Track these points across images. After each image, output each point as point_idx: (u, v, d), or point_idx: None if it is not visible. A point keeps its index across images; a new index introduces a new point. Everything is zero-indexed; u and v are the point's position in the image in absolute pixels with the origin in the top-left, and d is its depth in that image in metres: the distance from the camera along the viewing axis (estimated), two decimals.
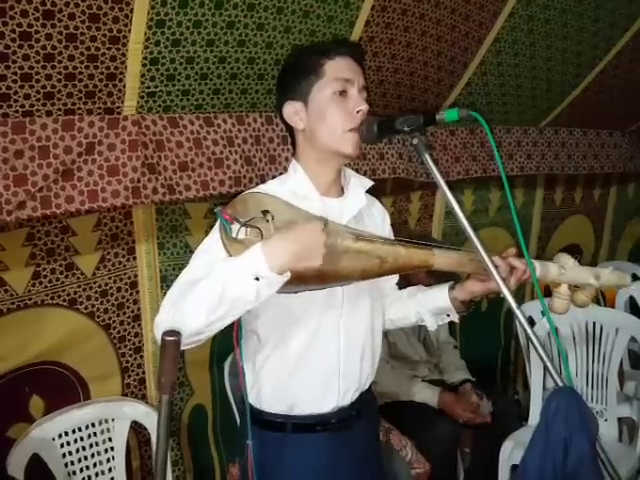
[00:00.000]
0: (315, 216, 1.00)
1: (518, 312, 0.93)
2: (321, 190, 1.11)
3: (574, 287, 1.16)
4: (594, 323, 2.05)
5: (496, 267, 0.97)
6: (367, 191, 1.21)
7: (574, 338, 2.07)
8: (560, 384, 0.89)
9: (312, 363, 1.11)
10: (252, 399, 1.15)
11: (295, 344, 1.10)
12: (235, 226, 0.90)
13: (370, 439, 1.25)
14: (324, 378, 1.12)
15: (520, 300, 2.68)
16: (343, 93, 1.06)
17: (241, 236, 0.91)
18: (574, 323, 2.06)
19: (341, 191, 1.15)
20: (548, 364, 0.90)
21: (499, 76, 2.12)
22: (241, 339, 1.12)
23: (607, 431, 1.96)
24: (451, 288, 1.17)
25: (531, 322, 2.15)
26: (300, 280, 0.92)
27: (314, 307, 1.08)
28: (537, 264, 1.11)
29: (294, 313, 1.08)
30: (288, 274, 0.89)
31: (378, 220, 1.24)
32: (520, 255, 1.07)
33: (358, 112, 1.07)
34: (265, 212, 0.93)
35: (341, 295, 1.10)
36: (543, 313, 2.26)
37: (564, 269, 1.12)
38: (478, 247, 0.95)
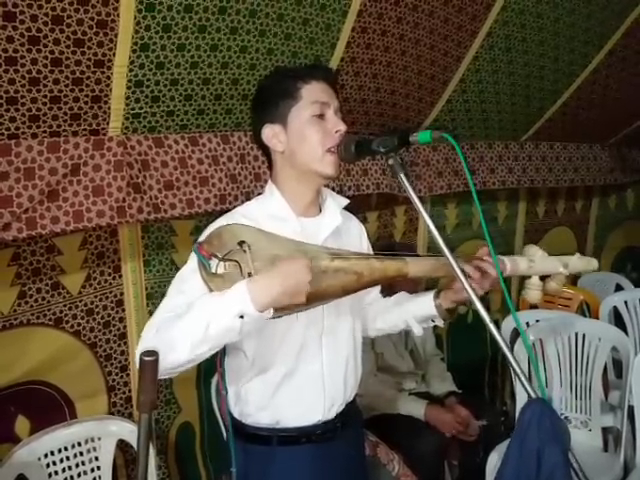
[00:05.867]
0: (297, 244, 1.02)
1: (492, 326, 0.96)
2: (298, 211, 1.14)
3: (545, 276, 1.21)
4: (576, 334, 2.08)
5: (468, 276, 1.00)
6: (346, 208, 1.24)
7: (558, 349, 2.09)
8: (533, 396, 0.91)
9: (296, 380, 1.12)
10: (237, 414, 1.17)
11: (278, 362, 1.11)
12: (213, 261, 0.92)
13: (355, 449, 1.27)
14: (308, 394, 1.14)
15: (506, 312, 2.71)
16: (321, 116, 1.10)
17: (220, 270, 0.92)
18: (558, 334, 2.09)
19: (319, 210, 1.18)
20: (520, 375, 0.92)
21: (479, 93, 2.18)
22: (225, 357, 1.13)
23: (591, 441, 1.98)
24: (436, 296, 1.20)
25: (517, 334, 2.18)
26: (285, 307, 0.94)
27: (296, 325, 1.10)
28: (507, 260, 1.14)
29: (277, 331, 1.10)
30: (271, 311, 0.92)
31: (355, 236, 1.27)
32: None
33: (337, 132, 1.10)
34: (241, 243, 0.95)
35: (321, 312, 1.12)
36: (528, 324, 2.30)
37: (533, 262, 1.15)
38: (451, 260, 0.97)
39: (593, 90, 2.49)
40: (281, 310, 0.94)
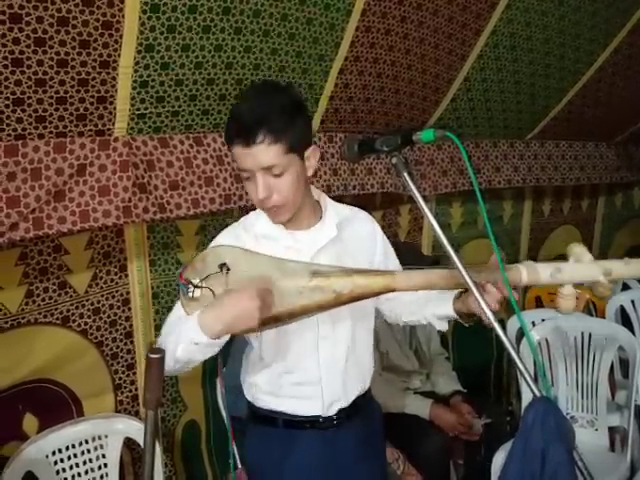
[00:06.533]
0: (278, 262, 1.04)
1: (496, 325, 0.95)
2: (289, 225, 1.13)
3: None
4: (582, 333, 2.07)
5: (475, 283, 0.97)
6: (358, 206, 1.25)
7: (564, 349, 2.08)
8: (537, 394, 0.91)
9: (295, 378, 1.16)
10: (250, 397, 1.23)
11: (279, 359, 1.16)
12: (190, 287, 1.01)
13: (366, 438, 1.26)
14: (307, 393, 1.17)
15: (511, 311, 2.70)
16: (250, 177, 1.06)
17: (197, 295, 1.01)
18: (564, 334, 2.08)
19: (318, 219, 1.16)
20: (525, 374, 0.91)
21: (484, 92, 2.17)
22: (224, 361, 1.18)
23: (597, 440, 1.97)
24: (456, 298, 1.15)
25: (522, 333, 2.17)
26: (244, 330, 1.02)
27: (292, 329, 1.12)
28: (523, 269, 1.03)
29: (276, 332, 1.12)
30: (227, 337, 0.99)
31: (364, 239, 1.23)
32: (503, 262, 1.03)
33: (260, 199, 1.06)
34: (222, 266, 1.01)
35: (315, 318, 1.12)
36: (533, 323, 2.29)
37: (559, 271, 1.00)
38: (459, 266, 0.95)
39: (599, 88, 2.48)
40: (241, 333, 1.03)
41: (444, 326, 1.22)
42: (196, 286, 1.00)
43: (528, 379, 0.90)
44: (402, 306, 1.27)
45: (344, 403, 1.19)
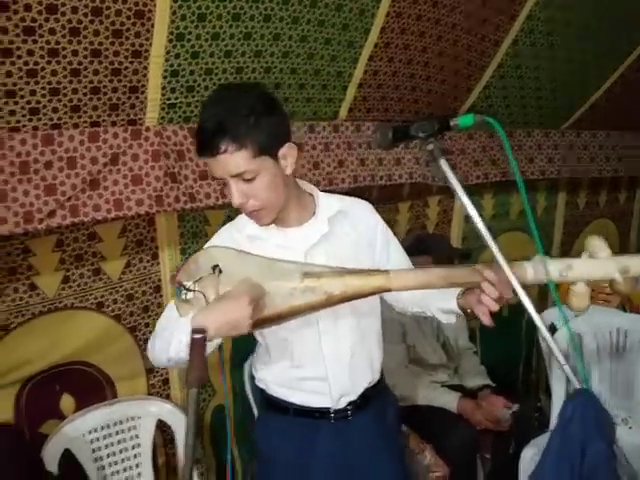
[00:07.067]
0: (270, 263, 1.03)
1: (536, 316, 0.92)
2: (280, 223, 1.11)
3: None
4: (618, 330, 2.00)
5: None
6: (363, 197, 1.23)
7: (598, 345, 2.02)
8: (577, 386, 0.88)
9: (302, 374, 1.17)
10: (263, 385, 1.25)
11: (286, 356, 1.17)
12: (183, 290, 1.02)
13: (380, 428, 1.25)
14: (315, 388, 1.17)
15: (540, 308, 2.63)
16: (226, 183, 1.04)
17: (189, 297, 1.02)
18: (598, 330, 2.02)
19: (311, 214, 1.14)
20: (565, 366, 0.88)
21: (518, 79, 2.11)
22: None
23: (633, 439, 1.90)
24: (462, 294, 1.12)
25: (553, 329, 2.12)
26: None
27: (293, 325, 1.11)
28: (529, 266, 0.98)
29: (278, 331, 1.12)
30: (218, 340, 1.00)
31: (362, 230, 1.19)
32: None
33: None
34: (214, 267, 1.01)
35: (315, 314, 1.10)
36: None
37: (570, 268, 0.94)
38: (497, 255, 0.93)
39: (639, 76, 2.37)
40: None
41: (451, 319, 1.19)
42: (188, 289, 1.00)
43: (568, 370, 0.86)
44: (406, 298, 1.25)
45: (353, 396, 1.19)
